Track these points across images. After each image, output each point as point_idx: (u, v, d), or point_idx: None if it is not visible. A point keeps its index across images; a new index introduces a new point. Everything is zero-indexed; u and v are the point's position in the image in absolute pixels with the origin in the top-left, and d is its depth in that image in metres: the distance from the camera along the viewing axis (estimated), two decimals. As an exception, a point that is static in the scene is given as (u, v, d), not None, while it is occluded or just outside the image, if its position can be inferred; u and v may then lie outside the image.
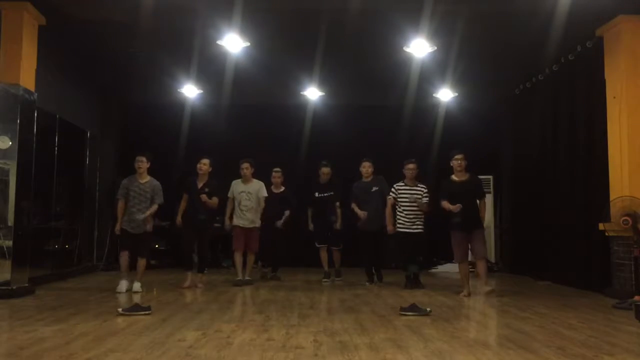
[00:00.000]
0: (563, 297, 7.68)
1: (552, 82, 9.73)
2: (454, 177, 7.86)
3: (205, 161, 8.36)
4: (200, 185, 8.33)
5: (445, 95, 11.56)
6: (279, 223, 9.21)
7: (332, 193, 9.23)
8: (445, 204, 7.65)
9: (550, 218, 9.56)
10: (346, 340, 4.65)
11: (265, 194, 8.96)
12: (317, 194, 9.33)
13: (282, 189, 9.52)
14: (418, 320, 5.64)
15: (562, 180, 9.24)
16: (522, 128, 11.18)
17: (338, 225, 9.14)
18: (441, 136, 12.10)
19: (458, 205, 7.51)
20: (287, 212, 9.29)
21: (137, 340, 4.58)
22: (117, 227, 7.92)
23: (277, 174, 9.50)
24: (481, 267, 7.72)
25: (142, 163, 7.93)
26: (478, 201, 7.75)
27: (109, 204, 10.60)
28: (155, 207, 7.94)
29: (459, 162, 7.77)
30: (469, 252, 7.87)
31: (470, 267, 8.03)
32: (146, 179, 7.96)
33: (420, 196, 8.36)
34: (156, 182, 8.01)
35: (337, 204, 9.17)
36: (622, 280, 7.44)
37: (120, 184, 8.11)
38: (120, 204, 7.94)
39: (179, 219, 8.43)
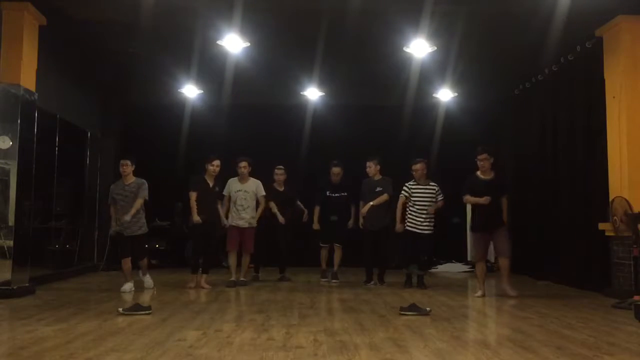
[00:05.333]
0: (563, 297, 7.69)
1: (552, 82, 9.73)
2: (479, 173, 7.82)
3: (218, 163, 8.32)
4: (211, 184, 8.31)
5: (445, 95, 11.56)
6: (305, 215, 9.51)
7: (345, 194, 9.17)
8: (470, 198, 7.69)
9: (550, 218, 9.57)
10: (346, 340, 4.66)
11: (264, 193, 8.89)
12: (328, 193, 9.23)
13: (283, 187, 9.49)
14: (418, 320, 5.65)
15: (561, 180, 9.25)
16: (522, 128, 11.18)
17: (350, 224, 9.09)
18: (441, 136, 12.10)
19: (487, 197, 7.48)
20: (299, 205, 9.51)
21: (138, 340, 4.59)
22: (113, 225, 8.00)
23: (279, 172, 9.44)
24: (504, 265, 7.69)
25: (127, 167, 7.92)
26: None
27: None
28: (139, 201, 7.86)
29: (482, 162, 7.73)
30: (490, 250, 7.87)
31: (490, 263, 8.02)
32: (131, 180, 7.96)
33: (433, 195, 8.40)
34: (141, 180, 7.99)
35: (353, 208, 9.10)
36: (622, 280, 7.44)
37: (109, 190, 8.17)
38: (111, 209, 8.05)
39: (196, 217, 8.19)
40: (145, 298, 7.22)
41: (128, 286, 7.84)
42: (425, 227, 8.39)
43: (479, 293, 7.62)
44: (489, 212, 7.58)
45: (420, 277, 8.52)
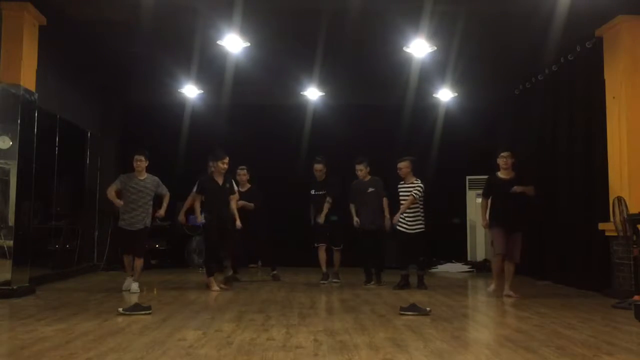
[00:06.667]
0: (563, 297, 7.69)
1: (552, 82, 9.73)
2: (499, 174, 7.81)
3: (228, 159, 8.18)
4: (220, 182, 8.15)
5: (445, 95, 11.57)
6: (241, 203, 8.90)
7: (324, 192, 9.04)
8: (485, 204, 7.77)
9: (550, 218, 9.56)
10: (346, 340, 4.66)
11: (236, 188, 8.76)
12: (313, 192, 9.18)
13: (248, 186, 9.41)
14: (418, 320, 5.65)
15: (561, 180, 9.24)
16: (522, 128, 11.18)
17: (320, 220, 8.95)
18: (441, 136, 12.12)
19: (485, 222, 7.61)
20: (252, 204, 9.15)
21: (138, 340, 4.59)
22: (111, 193, 7.89)
23: (242, 172, 9.35)
24: (510, 270, 7.63)
25: (141, 162, 7.91)
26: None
27: (110, 204, 10.60)
28: (167, 197, 8.05)
29: (505, 159, 7.71)
30: (488, 249, 7.82)
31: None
32: (145, 175, 7.96)
33: (410, 192, 8.36)
34: (155, 178, 8.02)
35: (328, 199, 8.98)
36: (622, 280, 7.45)
37: (118, 177, 8.11)
38: (112, 188, 7.93)
39: (182, 217, 8.24)
40: (144, 298, 7.21)
41: (130, 282, 7.81)
42: (413, 227, 8.32)
43: (492, 287, 7.63)
44: (510, 211, 7.53)
45: (420, 277, 8.49)
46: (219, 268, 8.21)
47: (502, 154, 7.75)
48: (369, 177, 8.89)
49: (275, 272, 9.54)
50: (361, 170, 8.87)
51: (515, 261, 7.64)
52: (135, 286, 7.74)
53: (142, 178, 7.93)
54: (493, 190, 7.76)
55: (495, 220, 7.68)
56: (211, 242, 8.12)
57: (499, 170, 7.84)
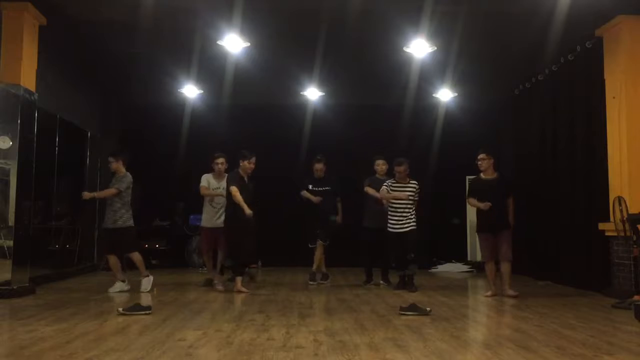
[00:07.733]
0: (563, 297, 7.69)
1: (552, 82, 9.73)
2: (481, 175, 7.88)
3: (255, 160, 8.13)
4: (246, 181, 8.01)
5: (445, 95, 11.57)
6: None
7: (328, 188, 8.92)
8: (473, 201, 7.79)
9: (550, 218, 9.56)
10: (346, 340, 4.66)
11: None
12: (311, 187, 8.97)
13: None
14: (418, 320, 5.65)
15: (562, 180, 9.25)
16: (522, 128, 11.18)
17: (339, 220, 8.96)
18: (441, 136, 12.12)
19: (487, 203, 7.56)
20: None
21: (138, 340, 4.59)
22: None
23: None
24: (505, 269, 7.63)
25: (110, 164, 8.05)
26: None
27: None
28: (109, 191, 7.86)
29: (480, 161, 7.78)
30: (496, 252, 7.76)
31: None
32: (121, 173, 7.98)
33: (413, 194, 8.32)
34: (125, 174, 7.94)
35: (338, 199, 8.99)
36: (622, 280, 7.44)
37: None
38: None
39: (248, 211, 7.67)
40: (144, 299, 7.21)
41: (118, 286, 7.76)
42: (405, 226, 8.22)
43: (490, 292, 7.63)
44: (492, 214, 7.58)
45: (409, 277, 8.21)
46: (240, 269, 7.98)
47: (478, 156, 7.82)
48: (385, 176, 8.81)
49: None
50: (384, 165, 8.83)
51: (508, 260, 7.65)
52: (145, 283, 7.76)
53: (119, 175, 7.96)
54: (476, 192, 7.81)
55: (480, 224, 7.77)
56: (232, 242, 7.86)
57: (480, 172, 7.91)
